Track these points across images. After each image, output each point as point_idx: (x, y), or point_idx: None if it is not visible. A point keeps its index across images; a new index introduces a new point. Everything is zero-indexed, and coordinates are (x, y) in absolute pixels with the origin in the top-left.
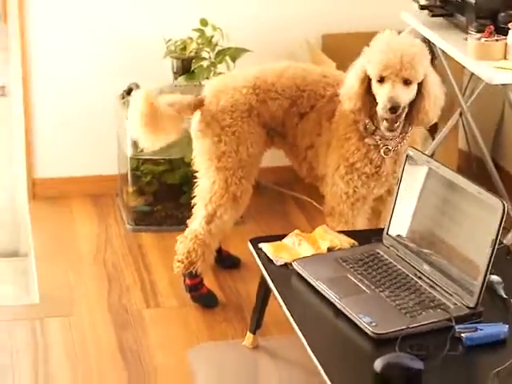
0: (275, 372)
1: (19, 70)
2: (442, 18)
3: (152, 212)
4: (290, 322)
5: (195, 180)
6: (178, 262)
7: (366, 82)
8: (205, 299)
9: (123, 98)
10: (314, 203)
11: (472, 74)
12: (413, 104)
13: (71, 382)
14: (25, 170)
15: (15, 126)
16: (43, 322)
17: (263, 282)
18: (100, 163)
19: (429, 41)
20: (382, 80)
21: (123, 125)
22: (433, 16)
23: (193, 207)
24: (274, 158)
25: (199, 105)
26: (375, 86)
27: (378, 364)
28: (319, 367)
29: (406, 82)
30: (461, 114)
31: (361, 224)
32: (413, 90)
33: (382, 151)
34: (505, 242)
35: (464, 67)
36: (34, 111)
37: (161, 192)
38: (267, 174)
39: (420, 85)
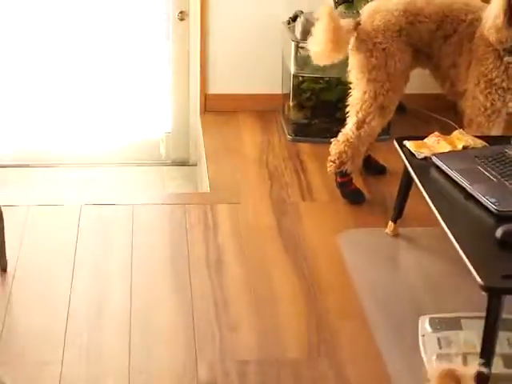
0: (412, 256)
1: None
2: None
3: (310, 125)
4: (428, 212)
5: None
6: (331, 161)
7: (507, 5)
8: (353, 195)
9: (289, 23)
10: (455, 126)
11: None
12: None
13: (237, 252)
14: (198, 86)
15: (192, 46)
16: (213, 207)
17: (406, 173)
18: (266, 83)
19: None
20: None
21: (288, 46)
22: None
23: (346, 122)
24: (423, 85)
25: (357, 25)
26: None
27: (499, 231)
28: (451, 236)
29: None
30: None
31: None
32: None
33: None
34: None
35: None
36: (209, 34)
37: (318, 107)
38: (416, 99)
39: None
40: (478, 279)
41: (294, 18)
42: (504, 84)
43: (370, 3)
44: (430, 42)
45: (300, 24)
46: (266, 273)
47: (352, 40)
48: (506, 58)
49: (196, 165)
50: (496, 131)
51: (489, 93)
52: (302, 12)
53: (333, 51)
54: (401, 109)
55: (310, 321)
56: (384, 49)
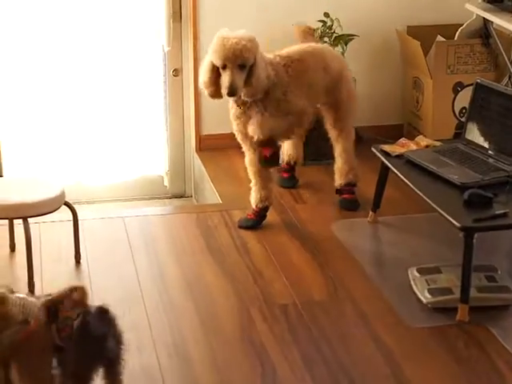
0: (392, 234)
1: (191, 57)
2: (494, 4)
3: None
4: (399, 202)
5: None
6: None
7: (215, 69)
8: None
9: None
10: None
11: None
12: (246, 80)
13: (257, 239)
14: (193, 129)
15: (186, 98)
16: (228, 212)
17: (382, 169)
18: None
19: (485, 23)
20: (224, 67)
21: None
22: (488, 2)
23: None
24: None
25: None
26: (221, 71)
27: (466, 194)
28: (432, 203)
29: (241, 67)
30: (509, 77)
31: None
32: (246, 72)
33: None
34: None
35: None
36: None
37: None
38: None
39: (251, 67)
40: (456, 223)
41: None
42: None
43: None
44: None
45: None
46: (284, 250)
47: None
48: None
49: (191, 196)
50: None
51: None
52: None
53: None
54: (358, 138)
55: (328, 280)
56: None
